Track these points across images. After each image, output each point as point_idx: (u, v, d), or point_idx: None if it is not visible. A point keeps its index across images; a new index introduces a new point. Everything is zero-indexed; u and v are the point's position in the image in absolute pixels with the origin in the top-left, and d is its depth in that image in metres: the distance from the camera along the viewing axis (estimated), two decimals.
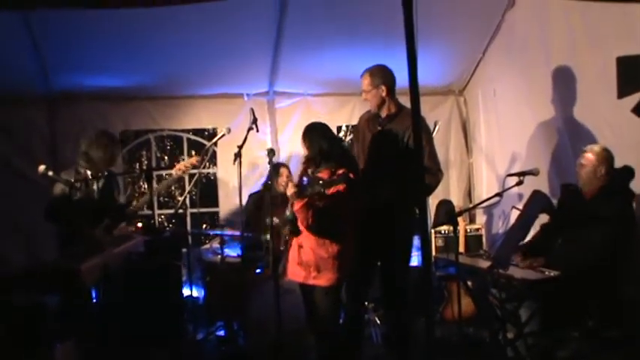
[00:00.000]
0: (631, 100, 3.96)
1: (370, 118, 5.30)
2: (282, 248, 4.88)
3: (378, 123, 5.16)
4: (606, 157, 4.81)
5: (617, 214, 4.62)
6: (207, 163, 7.22)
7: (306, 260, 4.58)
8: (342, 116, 7.75)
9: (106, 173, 5.53)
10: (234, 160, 5.04)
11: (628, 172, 4.80)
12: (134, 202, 5.75)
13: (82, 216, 5.30)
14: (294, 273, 4.67)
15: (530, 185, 5.08)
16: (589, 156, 4.85)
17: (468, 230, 7.05)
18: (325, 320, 4.65)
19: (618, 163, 4.88)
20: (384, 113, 5.14)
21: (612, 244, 4.55)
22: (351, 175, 4.50)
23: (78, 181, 5.30)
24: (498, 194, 4.98)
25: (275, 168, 6.25)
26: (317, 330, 4.76)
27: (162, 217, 8.96)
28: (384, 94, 5.09)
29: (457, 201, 7.71)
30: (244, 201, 6.19)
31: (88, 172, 5.38)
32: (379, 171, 5.06)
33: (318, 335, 4.77)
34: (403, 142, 5.04)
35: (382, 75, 5.11)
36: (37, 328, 4.25)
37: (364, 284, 5.03)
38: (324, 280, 4.57)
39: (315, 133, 4.73)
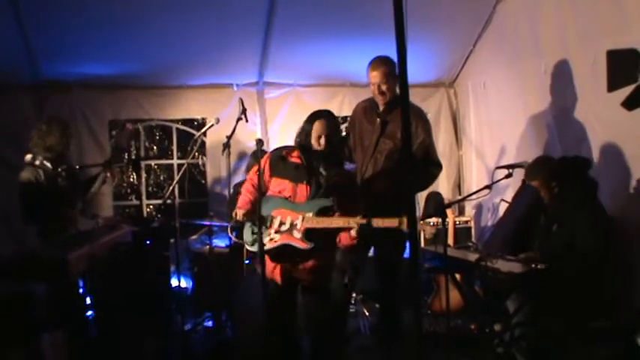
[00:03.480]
0: (621, 94, 3.95)
1: (367, 107, 5.21)
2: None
3: (376, 114, 5.10)
4: (548, 174, 4.79)
5: (593, 219, 4.59)
6: (197, 154, 7.20)
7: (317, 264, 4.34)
8: (332, 107, 7.51)
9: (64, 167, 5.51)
10: (223, 150, 5.03)
11: (583, 163, 4.78)
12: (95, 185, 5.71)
13: (59, 201, 5.29)
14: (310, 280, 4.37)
15: (519, 178, 5.10)
16: (534, 182, 4.82)
17: (457, 222, 7.05)
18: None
19: (608, 157, 4.89)
20: (382, 104, 5.08)
21: (599, 246, 4.52)
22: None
23: (44, 172, 5.26)
24: (488, 187, 4.98)
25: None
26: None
27: (151, 207, 8.91)
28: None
29: (446, 193, 7.71)
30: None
31: (47, 164, 5.30)
32: (377, 164, 5.04)
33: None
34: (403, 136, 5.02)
35: (395, 64, 5.03)
36: (25, 317, 4.22)
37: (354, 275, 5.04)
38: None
39: (337, 125, 4.41)
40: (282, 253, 4.29)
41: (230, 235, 5.37)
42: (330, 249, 4.38)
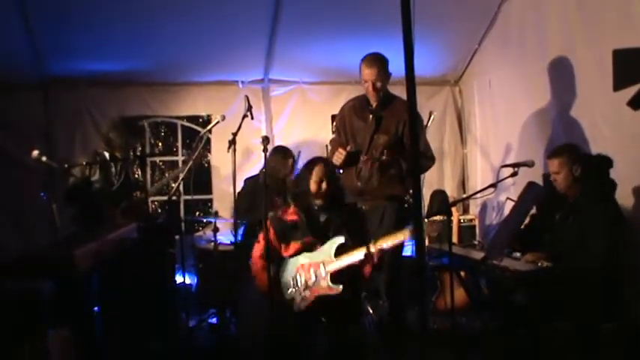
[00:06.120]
0: (627, 93, 3.96)
1: (356, 105, 5.30)
2: None
3: (369, 110, 5.16)
4: (573, 156, 4.73)
5: (609, 218, 4.53)
6: (202, 150, 7.21)
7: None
8: (337, 105, 7.59)
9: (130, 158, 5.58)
10: (229, 147, 5.02)
11: (605, 161, 4.75)
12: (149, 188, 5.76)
13: (102, 196, 5.35)
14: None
15: (524, 177, 5.08)
16: (555, 161, 4.77)
17: (462, 220, 7.05)
18: None
19: (614, 156, 4.88)
20: (375, 100, 5.13)
21: (611, 246, 4.48)
22: None
23: (96, 162, 5.35)
24: (493, 185, 4.97)
25: (281, 152, 6.40)
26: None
27: (156, 203, 8.91)
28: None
29: (451, 191, 7.72)
30: (238, 188, 6.18)
31: (106, 154, 5.39)
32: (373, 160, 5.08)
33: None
34: (397, 131, 5.06)
35: (386, 61, 5.12)
36: (31, 314, 4.23)
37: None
38: None
39: (334, 168, 4.71)
40: (321, 306, 4.30)
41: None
42: (356, 284, 4.44)
